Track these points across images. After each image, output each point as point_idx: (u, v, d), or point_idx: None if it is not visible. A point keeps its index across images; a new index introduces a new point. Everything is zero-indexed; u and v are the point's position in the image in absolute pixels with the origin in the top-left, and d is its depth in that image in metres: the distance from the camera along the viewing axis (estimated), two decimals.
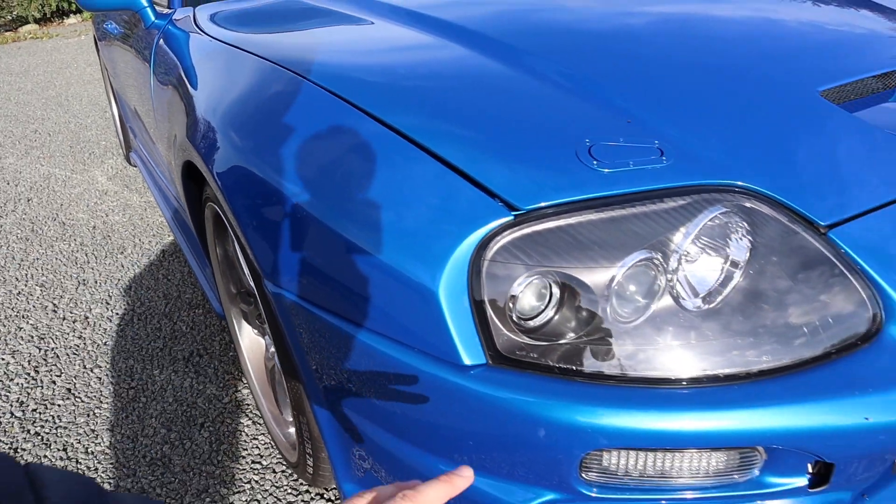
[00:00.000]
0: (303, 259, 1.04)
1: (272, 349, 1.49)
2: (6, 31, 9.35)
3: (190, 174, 1.57)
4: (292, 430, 1.54)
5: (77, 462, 1.72)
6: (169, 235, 2.91)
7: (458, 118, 1.05)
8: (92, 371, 2.07)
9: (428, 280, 0.89)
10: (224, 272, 1.66)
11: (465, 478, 0.49)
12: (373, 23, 1.50)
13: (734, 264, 0.90)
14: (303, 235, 1.05)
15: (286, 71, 1.30)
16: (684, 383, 0.86)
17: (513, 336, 0.87)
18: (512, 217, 0.88)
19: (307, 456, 1.35)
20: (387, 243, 0.94)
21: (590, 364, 0.88)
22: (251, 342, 1.68)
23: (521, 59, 1.19)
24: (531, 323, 0.88)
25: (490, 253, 0.87)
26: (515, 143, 0.97)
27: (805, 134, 1.02)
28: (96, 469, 1.69)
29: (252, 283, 1.27)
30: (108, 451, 1.74)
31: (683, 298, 0.90)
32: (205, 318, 2.26)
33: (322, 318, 1.02)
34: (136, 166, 3.40)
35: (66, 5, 9.49)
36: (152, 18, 2.10)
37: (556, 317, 0.88)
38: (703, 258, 0.91)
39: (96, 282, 2.59)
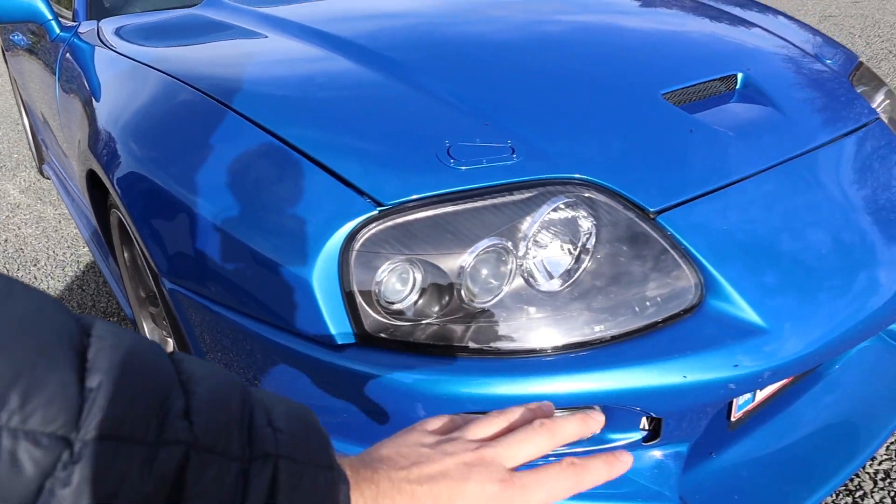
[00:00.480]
0: (196, 258, 1.12)
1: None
2: None
3: (94, 183, 1.63)
4: None
5: None
6: (84, 247, 2.92)
7: (334, 126, 1.15)
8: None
9: (303, 271, 0.98)
10: (132, 276, 1.72)
11: (597, 420, 0.50)
12: (267, 36, 1.59)
13: (582, 249, 1.03)
14: (195, 236, 1.13)
15: (182, 84, 1.38)
16: (531, 355, 0.97)
17: (380, 318, 0.97)
18: (377, 211, 0.98)
19: None
20: (268, 240, 1.03)
21: (452, 340, 0.98)
22: (160, 343, 1.74)
23: (396, 70, 1.30)
24: (397, 306, 0.99)
25: (357, 244, 0.97)
26: (383, 146, 1.08)
27: (641, 131, 1.15)
28: None
29: (153, 283, 1.34)
30: None
31: (538, 281, 1.01)
32: (120, 325, 2.30)
33: (215, 312, 1.10)
34: (49, 178, 3.38)
35: None
36: (57, 31, 2.13)
37: (420, 300, 0.99)
38: (553, 244, 1.03)
39: None
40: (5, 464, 0.27)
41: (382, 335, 0.97)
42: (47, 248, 2.93)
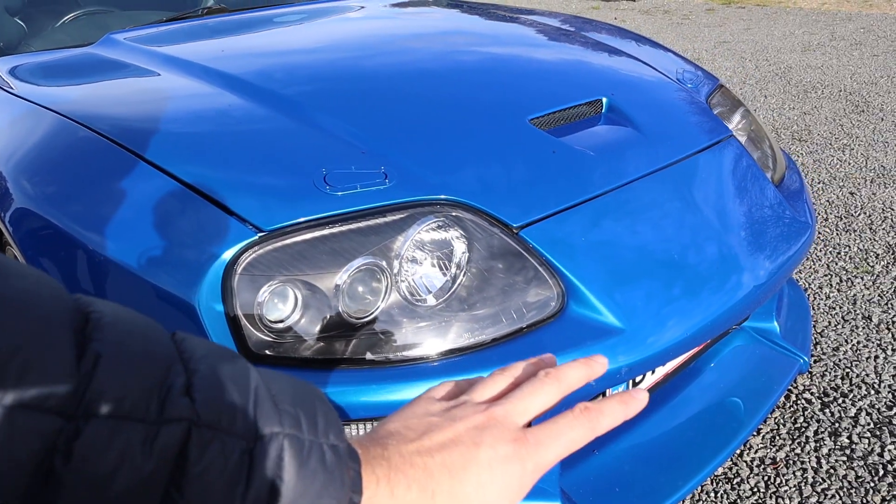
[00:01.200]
0: (90, 291, 1.16)
1: None
2: None
3: None
4: None
5: None
6: None
7: (221, 160, 1.21)
8: None
9: (189, 295, 1.04)
10: None
11: (601, 364, 0.48)
12: (160, 75, 1.64)
13: (456, 265, 1.11)
14: (88, 270, 1.17)
15: (75, 123, 1.42)
16: (415, 362, 1.05)
17: (263, 337, 1.03)
18: (257, 236, 1.04)
19: None
20: (160, 269, 1.08)
21: (336, 354, 1.05)
22: None
23: (283, 105, 1.37)
24: (280, 325, 1.05)
25: (239, 268, 1.03)
26: (264, 176, 1.15)
27: (507, 154, 1.26)
28: None
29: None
30: None
31: (417, 296, 1.09)
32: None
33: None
34: None
35: None
36: None
37: (302, 318, 1.05)
38: (427, 262, 1.11)
39: None
40: (3, 438, 0.27)
41: (268, 352, 1.03)
42: None
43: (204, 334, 1.03)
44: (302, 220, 1.06)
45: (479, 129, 1.32)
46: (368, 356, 1.05)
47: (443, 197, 1.13)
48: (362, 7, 2.38)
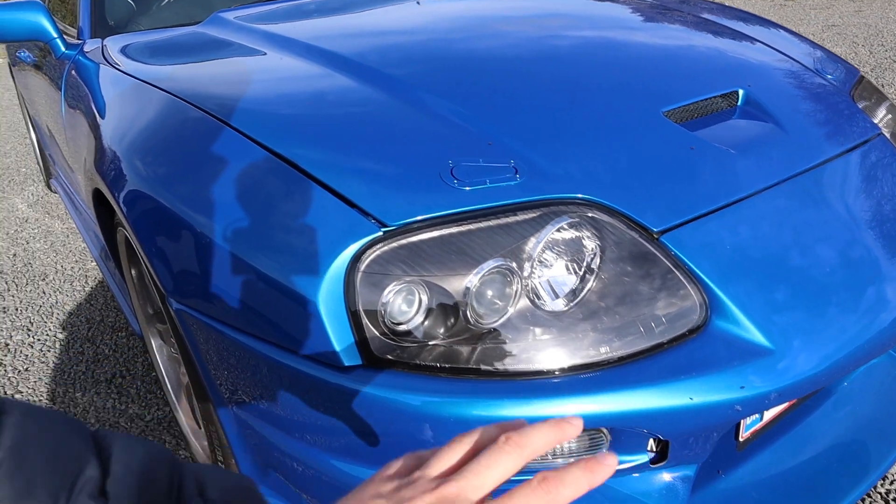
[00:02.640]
0: (201, 277, 1.13)
1: None
2: None
3: (100, 200, 1.64)
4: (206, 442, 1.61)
5: None
6: (92, 261, 2.93)
7: (337, 145, 1.15)
8: (13, 396, 2.09)
9: (309, 292, 0.99)
10: (139, 293, 1.73)
11: (574, 426, 0.45)
12: (266, 54, 1.60)
13: (587, 268, 1.03)
14: (201, 255, 1.13)
15: (185, 103, 1.39)
16: (538, 376, 0.98)
17: (386, 339, 0.98)
18: (381, 232, 0.99)
19: (219, 464, 1.43)
20: (274, 260, 1.04)
21: (459, 362, 0.99)
22: (169, 360, 1.74)
23: (397, 88, 1.31)
24: (402, 327, 0.99)
25: (362, 265, 0.98)
26: (387, 166, 1.09)
27: (643, 150, 1.16)
28: None
29: (160, 302, 1.35)
30: None
31: (544, 301, 1.02)
32: (127, 340, 2.31)
33: (221, 331, 1.11)
34: (56, 193, 3.40)
35: None
36: (62, 49, 2.15)
37: (425, 321, 0.99)
38: (557, 264, 1.03)
39: (17, 309, 2.60)
40: None
41: (389, 357, 0.98)
42: (55, 263, 2.95)
43: (323, 333, 0.98)
44: (429, 216, 1.00)
45: (609, 121, 1.23)
46: (489, 366, 0.98)
47: (580, 196, 1.05)
48: None
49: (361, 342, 0.97)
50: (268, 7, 2.09)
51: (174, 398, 1.73)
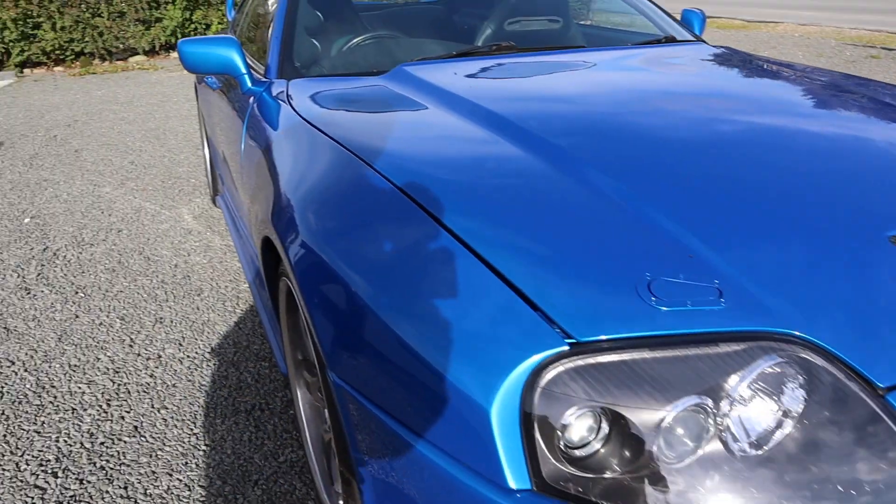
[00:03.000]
0: (364, 355, 1.09)
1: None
2: (117, 59, 9.95)
3: (268, 245, 1.66)
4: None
5: (136, 502, 1.81)
6: (244, 283, 3.04)
7: (519, 230, 1.09)
8: (159, 411, 2.16)
9: (481, 397, 0.93)
10: (292, 340, 1.74)
11: None
12: (453, 117, 1.57)
13: (786, 413, 0.91)
14: (365, 330, 1.10)
15: (362, 162, 1.38)
16: None
17: (559, 465, 0.90)
18: (567, 347, 0.91)
19: None
20: (444, 352, 0.98)
21: (636, 500, 0.89)
22: (311, 411, 1.74)
23: (580, 170, 1.24)
24: (578, 453, 0.91)
25: (544, 380, 0.91)
26: (575, 268, 1.01)
27: (870, 284, 1.02)
28: None
29: (317, 365, 1.33)
30: (165, 495, 1.81)
31: (733, 442, 0.91)
32: (270, 371, 2.34)
33: (378, 418, 1.06)
34: (220, 209, 3.57)
35: (173, 40, 10.05)
36: (249, 85, 2.23)
37: (603, 450, 0.90)
38: (755, 403, 0.92)
39: (172, 321, 2.72)
40: None
41: (560, 484, 0.90)
42: (211, 279, 3.07)
43: (492, 448, 0.91)
44: (622, 336, 0.91)
45: (823, 241, 1.10)
46: None
47: (797, 333, 0.93)
48: (686, 55, 2.21)
49: (533, 464, 0.90)
50: (450, 65, 2.09)
51: (311, 449, 1.72)
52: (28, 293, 2.98)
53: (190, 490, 1.83)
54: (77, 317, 2.77)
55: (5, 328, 2.70)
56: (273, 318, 2.00)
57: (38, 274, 3.17)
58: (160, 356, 2.47)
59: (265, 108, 2.05)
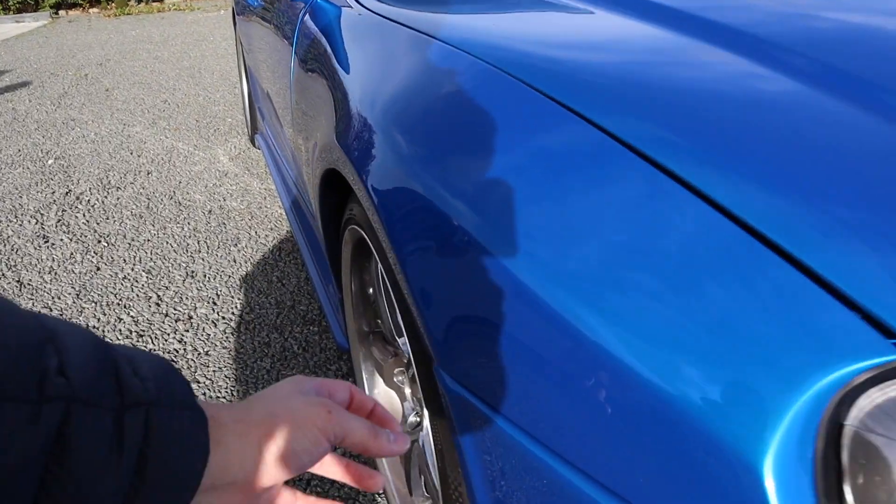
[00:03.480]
0: (503, 353, 0.69)
1: (419, 425, 1.15)
2: (153, 0, 9.57)
3: (330, 183, 1.26)
4: None
5: None
6: (288, 231, 2.65)
7: (782, 182, 0.66)
8: (190, 384, 1.80)
9: (732, 434, 0.52)
10: (357, 307, 1.34)
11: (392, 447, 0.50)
12: (594, 13, 1.14)
13: None
14: (507, 314, 0.69)
15: (472, 57, 0.96)
16: None
17: None
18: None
19: None
20: (651, 352, 0.58)
21: None
22: (384, 400, 1.34)
23: (878, 97, 0.79)
24: None
25: (857, 410, 0.50)
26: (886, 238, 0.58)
27: None
28: None
29: (410, 356, 0.94)
30: None
31: None
32: (320, 337, 1.96)
33: (526, 449, 0.66)
34: (260, 149, 3.18)
35: None
36: None
37: None
38: None
39: (205, 276, 2.35)
40: None
41: None
42: (249, 228, 2.70)
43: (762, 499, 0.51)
44: None
45: None
46: None
47: None
48: None
49: None
50: None
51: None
52: (46, 241, 2.63)
53: None
54: (98, 269, 2.42)
55: (18, 281, 2.35)
56: (328, 277, 1.61)
57: (59, 220, 2.82)
58: (191, 317, 2.11)
59: (320, 14, 1.63)
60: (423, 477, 1.16)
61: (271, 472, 0.43)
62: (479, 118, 0.85)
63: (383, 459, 1.30)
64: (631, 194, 0.67)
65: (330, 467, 0.54)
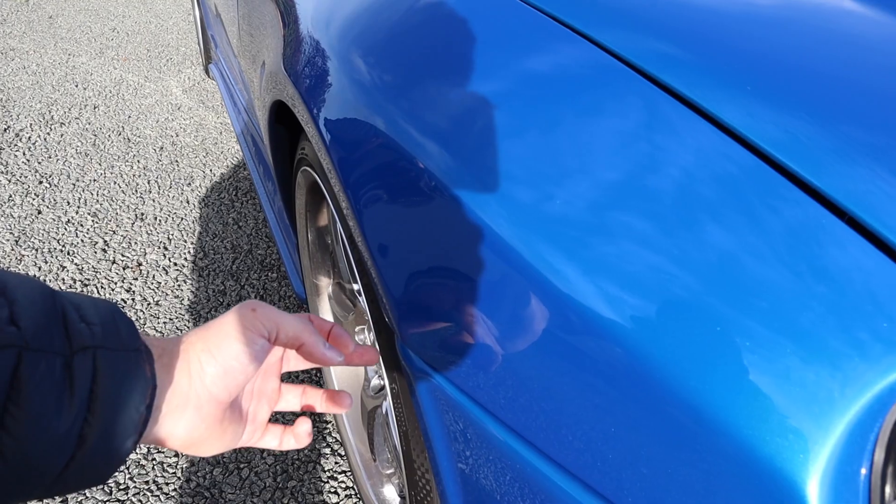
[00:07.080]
0: (477, 324, 0.57)
1: (382, 388, 1.04)
2: None
3: (281, 117, 1.11)
4: (387, 489, 1.10)
5: None
6: (245, 168, 2.49)
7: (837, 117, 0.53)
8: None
9: (766, 446, 0.41)
10: (314, 257, 1.21)
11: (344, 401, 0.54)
12: None
13: None
14: (481, 276, 0.57)
15: None
16: None
17: None
18: None
19: None
20: (660, 338, 0.46)
21: None
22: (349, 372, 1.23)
23: None
24: None
25: None
26: None
27: None
28: (128, 483, 1.29)
29: (371, 320, 0.81)
30: (144, 459, 1.34)
31: None
32: (279, 284, 1.83)
33: (504, 446, 0.55)
34: (214, 80, 2.97)
35: None
36: None
37: None
38: None
39: (156, 218, 2.19)
40: None
41: None
42: (204, 165, 2.52)
43: None
44: None
45: None
46: None
47: None
48: None
49: None
50: None
51: (346, 416, 1.22)
52: None
53: (178, 457, 1.36)
54: (39, 213, 2.24)
55: None
56: (284, 222, 1.47)
57: None
58: (140, 264, 1.96)
59: None
60: (387, 445, 1.06)
61: (220, 382, 0.45)
62: (455, 38, 0.71)
63: (345, 423, 1.19)
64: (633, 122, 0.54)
65: (293, 399, 0.54)
